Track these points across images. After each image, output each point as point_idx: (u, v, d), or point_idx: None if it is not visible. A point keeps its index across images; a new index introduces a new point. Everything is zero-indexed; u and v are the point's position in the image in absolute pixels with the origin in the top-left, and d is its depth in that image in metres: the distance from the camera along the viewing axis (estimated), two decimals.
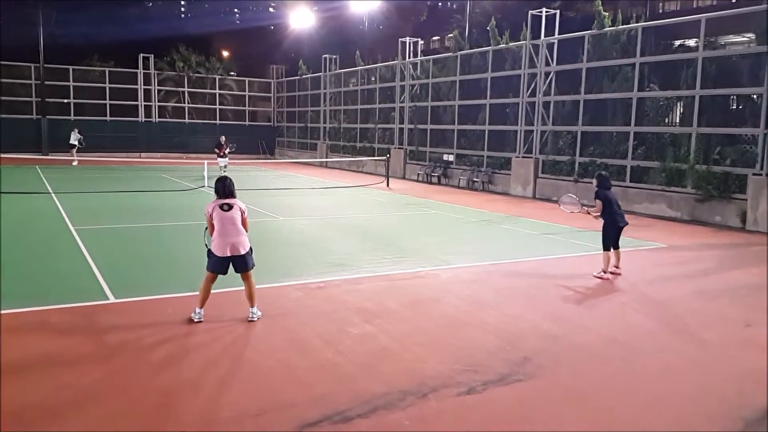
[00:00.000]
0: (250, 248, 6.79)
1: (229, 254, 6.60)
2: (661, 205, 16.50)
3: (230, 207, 6.70)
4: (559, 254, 10.97)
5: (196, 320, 6.63)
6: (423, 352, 5.96)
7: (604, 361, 5.91)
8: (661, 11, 36.37)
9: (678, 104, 17.55)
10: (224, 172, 24.26)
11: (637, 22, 18.76)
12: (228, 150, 24.46)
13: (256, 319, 6.77)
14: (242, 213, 6.78)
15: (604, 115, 18.92)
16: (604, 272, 9.24)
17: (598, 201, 9.22)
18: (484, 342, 6.30)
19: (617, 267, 9.44)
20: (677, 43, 20.26)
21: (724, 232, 14.27)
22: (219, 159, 24.10)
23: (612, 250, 9.33)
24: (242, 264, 6.70)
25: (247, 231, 6.83)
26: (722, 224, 14.98)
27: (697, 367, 5.88)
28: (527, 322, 7.00)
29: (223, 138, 25.01)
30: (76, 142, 29.62)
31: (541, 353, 6.01)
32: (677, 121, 17.67)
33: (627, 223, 9.40)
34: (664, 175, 16.54)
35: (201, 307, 6.69)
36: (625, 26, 18.62)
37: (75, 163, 28.45)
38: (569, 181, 19.18)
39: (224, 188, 6.82)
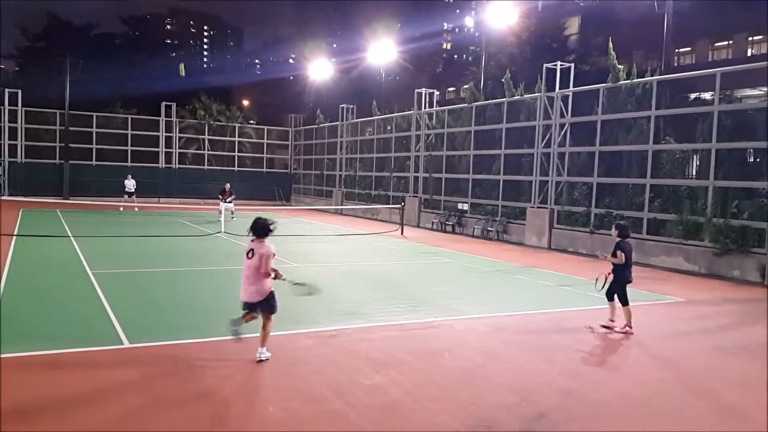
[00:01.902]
0: (270, 293, 6.95)
1: (244, 299, 6.96)
2: (678, 259, 16.31)
3: (252, 254, 6.90)
4: (574, 307, 10.84)
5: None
6: (435, 406, 5.86)
7: (618, 419, 5.77)
8: (676, 64, 36.78)
9: (694, 157, 17.54)
10: (233, 218, 24.73)
11: (652, 75, 18.97)
12: (230, 198, 25.10)
13: (263, 359, 6.88)
14: (260, 258, 6.85)
15: (619, 167, 18.95)
16: (629, 327, 8.97)
17: (620, 252, 8.94)
18: (498, 397, 6.19)
19: (612, 321, 9.20)
20: (693, 96, 20.44)
21: (742, 286, 14.02)
22: (221, 204, 24.57)
23: (609, 302, 9.15)
24: (259, 307, 6.98)
25: (269, 275, 6.92)
26: (741, 278, 14.74)
27: (717, 425, 5.71)
28: (542, 377, 6.88)
29: (228, 185, 25.71)
30: (132, 189, 29.94)
31: (556, 409, 5.88)
32: (694, 173, 17.64)
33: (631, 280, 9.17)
34: (681, 228, 16.41)
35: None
36: (640, 80, 18.84)
37: (122, 209, 28.83)
38: (585, 232, 19.08)
39: (252, 228, 7.07)
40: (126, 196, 29.54)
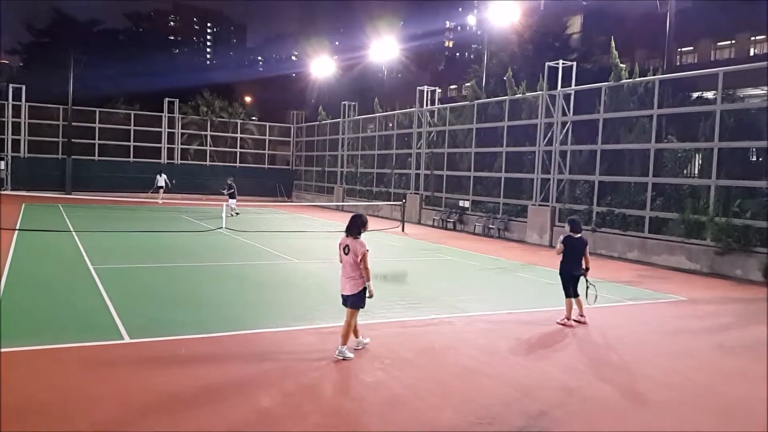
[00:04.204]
0: (363, 290, 7.16)
1: (342, 293, 7.27)
2: (680, 257, 16.29)
3: (348, 251, 7.19)
4: None
5: (360, 348, 7.34)
6: (437, 402, 5.86)
7: (619, 416, 5.77)
8: (678, 63, 36.69)
9: (696, 156, 17.52)
10: (234, 214, 24.92)
11: (654, 74, 18.93)
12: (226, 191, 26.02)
13: (341, 358, 6.98)
14: (356, 255, 7.14)
15: (621, 166, 18.92)
16: (567, 318, 9.24)
17: (562, 244, 9.37)
18: (500, 393, 6.19)
19: (581, 315, 9.37)
20: (695, 94, 20.40)
21: (745, 285, 14.00)
22: (230, 201, 25.34)
23: (573, 298, 9.34)
24: (347, 301, 7.25)
25: (366, 268, 7.16)
26: (743, 278, 14.72)
27: (719, 423, 5.71)
28: (543, 374, 6.88)
29: (230, 180, 26.69)
30: (163, 184, 31.49)
31: (558, 406, 5.89)
32: (696, 172, 17.61)
33: (579, 274, 9.36)
34: (683, 227, 16.38)
35: (356, 337, 7.42)
36: (642, 78, 18.80)
37: (161, 203, 29.66)
38: (587, 230, 19.00)
39: (348, 226, 7.37)
40: (159, 191, 31.03)
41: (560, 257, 9.43)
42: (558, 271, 9.51)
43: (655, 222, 17.34)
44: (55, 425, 4.99)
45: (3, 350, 6.70)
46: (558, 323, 9.23)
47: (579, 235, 9.47)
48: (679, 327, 9.62)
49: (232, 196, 25.70)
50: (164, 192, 31.68)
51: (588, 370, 7.11)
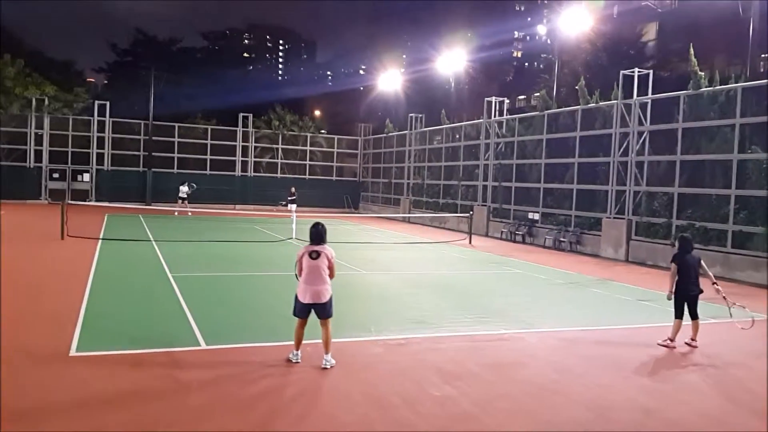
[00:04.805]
0: (331, 297, 7.01)
1: (310, 301, 6.91)
2: (765, 274, 15.35)
3: (318, 255, 6.98)
4: (654, 323, 10.32)
5: (294, 361, 7.02)
6: (507, 420, 5.74)
7: None
8: (761, 70, 34.81)
9: None
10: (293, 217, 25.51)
11: (736, 81, 18.03)
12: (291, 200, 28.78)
13: (329, 366, 6.92)
14: (329, 260, 7.01)
15: (702, 177, 18.07)
16: (671, 340, 8.72)
17: (673, 264, 8.80)
18: (572, 412, 6.00)
19: (693, 339, 8.80)
20: None
21: None
22: (290, 206, 27.92)
23: (691, 320, 8.79)
24: (322, 311, 7.00)
25: (333, 277, 7.08)
26: None
27: None
28: (619, 394, 6.62)
29: (293, 188, 30.09)
30: (186, 195, 30.76)
31: (636, 428, 5.65)
32: None
33: (699, 291, 8.82)
34: None
35: (297, 350, 7.09)
36: (723, 86, 17.94)
37: (176, 213, 29.91)
38: (666, 244, 18.25)
39: (316, 234, 7.15)
40: (180, 201, 30.36)
41: (674, 279, 8.78)
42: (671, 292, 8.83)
43: (739, 236, 16.43)
44: (124, 418, 5.21)
45: (88, 354, 7.08)
46: (660, 344, 8.74)
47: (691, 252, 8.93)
48: (762, 349, 9.05)
49: (293, 202, 28.36)
50: (183, 202, 30.40)
51: (667, 391, 6.79)
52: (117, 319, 8.94)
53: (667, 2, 43.29)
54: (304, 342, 7.15)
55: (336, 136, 44.49)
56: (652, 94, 19.81)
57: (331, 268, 7.06)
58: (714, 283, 8.88)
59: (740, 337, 9.79)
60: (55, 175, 36.01)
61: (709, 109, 18.09)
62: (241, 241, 20.40)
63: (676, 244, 9.12)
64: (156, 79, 37.70)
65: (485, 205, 27.57)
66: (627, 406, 6.26)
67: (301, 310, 7.00)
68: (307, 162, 42.84)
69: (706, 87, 18.27)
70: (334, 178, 43.53)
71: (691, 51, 19.53)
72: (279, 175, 41.73)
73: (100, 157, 37.14)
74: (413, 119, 36.06)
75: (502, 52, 66.60)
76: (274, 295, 11.40)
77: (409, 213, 33.94)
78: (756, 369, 7.95)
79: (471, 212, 25.36)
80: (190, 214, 29.89)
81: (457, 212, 29.00)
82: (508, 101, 29.81)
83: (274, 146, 42.15)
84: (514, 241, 24.56)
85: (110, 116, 37.27)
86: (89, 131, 37.04)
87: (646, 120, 19.77)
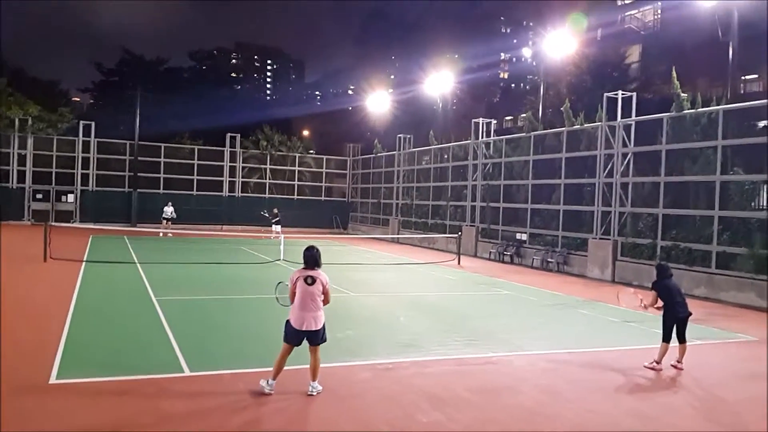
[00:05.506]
0: (324, 323, 6.92)
1: (304, 328, 6.77)
2: (749, 294, 15.47)
3: (314, 281, 6.87)
4: (641, 345, 10.32)
5: (266, 391, 6.74)
6: None
7: None
8: (742, 92, 35.41)
9: (764, 187, 16.72)
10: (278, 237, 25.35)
11: (717, 103, 18.31)
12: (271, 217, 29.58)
13: (315, 393, 6.81)
14: (324, 286, 6.93)
15: (686, 198, 18.26)
16: (657, 362, 8.72)
17: (652, 291, 8.91)
18: None
19: (679, 362, 8.80)
20: (761, 123, 19.56)
21: None
22: (274, 227, 28.64)
23: (679, 343, 8.80)
24: (315, 338, 6.87)
25: (327, 303, 7.01)
26: None
27: None
28: (607, 418, 6.60)
29: (275, 210, 30.73)
30: (169, 215, 30.70)
31: None
32: (765, 205, 16.79)
33: (689, 314, 8.87)
34: (753, 263, 15.60)
35: (274, 379, 6.83)
36: (705, 109, 18.21)
37: (161, 235, 29.72)
38: (651, 264, 18.35)
39: (311, 258, 7.02)
40: (164, 222, 30.31)
41: (656, 306, 8.87)
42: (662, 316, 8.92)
43: (723, 257, 16.58)
44: None
45: (68, 381, 6.95)
46: (646, 367, 8.74)
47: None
48: (749, 370, 9.12)
49: (277, 223, 28.84)
50: (167, 222, 30.43)
51: (656, 415, 6.78)
52: (99, 345, 8.81)
53: (650, 25, 44.14)
54: (289, 368, 7.05)
55: (324, 156, 44.55)
56: (636, 116, 20.08)
57: (326, 293, 6.96)
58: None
59: (726, 358, 9.85)
60: (39, 196, 35.44)
61: (692, 131, 18.34)
62: (227, 262, 20.25)
63: (656, 271, 9.15)
64: (142, 99, 37.47)
65: (474, 226, 27.65)
66: (614, 429, 6.23)
67: (294, 337, 6.83)
68: (296, 182, 42.79)
69: (688, 109, 18.54)
70: (322, 198, 43.51)
71: (674, 73, 19.84)
72: (267, 195, 41.58)
73: (84, 178, 36.70)
74: (402, 140, 36.25)
75: (489, 73, 67.44)
76: (261, 320, 11.30)
77: (398, 233, 33.94)
78: (741, 391, 7.98)
79: (459, 233, 25.41)
80: (170, 235, 29.64)
81: (445, 233, 29.05)
82: (495, 122, 30.07)
83: (262, 166, 42.07)
84: (503, 262, 24.61)
85: (95, 136, 36.91)
86: (74, 151, 36.58)
87: (630, 141, 20.00)
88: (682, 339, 8.83)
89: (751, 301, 15.33)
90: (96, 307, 11.63)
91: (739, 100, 19.20)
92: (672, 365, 8.77)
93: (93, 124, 37.01)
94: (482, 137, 28.29)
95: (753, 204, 16.86)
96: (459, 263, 22.77)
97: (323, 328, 6.92)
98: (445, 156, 31.98)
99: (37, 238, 19.08)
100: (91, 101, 65.66)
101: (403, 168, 35.92)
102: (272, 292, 7.06)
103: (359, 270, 19.86)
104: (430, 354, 8.99)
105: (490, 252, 25.88)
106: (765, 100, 17.69)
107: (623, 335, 11.42)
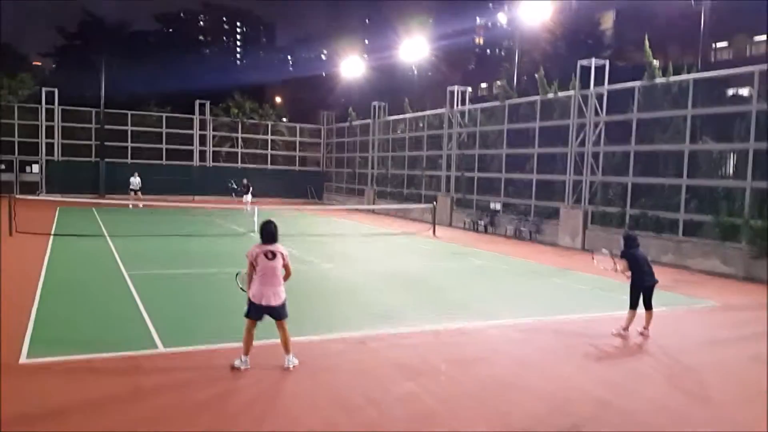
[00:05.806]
0: (285, 299, 6.92)
1: (264, 303, 6.77)
2: (714, 261, 15.90)
3: (274, 255, 6.83)
4: (610, 311, 10.57)
5: (242, 368, 6.77)
6: (470, 416, 5.82)
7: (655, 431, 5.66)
8: (713, 60, 35.80)
9: (731, 157, 17.06)
10: (248, 211, 25.16)
11: (688, 71, 18.47)
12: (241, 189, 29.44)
13: (291, 366, 6.87)
14: (284, 258, 6.90)
15: (655, 167, 18.53)
16: (624, 329, 8.99)
17: (623, 260, 9.11)
18: (533, 407, 6.12)
19: (645, 328, 9.06)
20: (730, 92, 19.84)
21: None
22: (244, 197, 28.45)
23: (645, 310, 9.05)
24: (277, 313, 6.87)
25: (290, 275, 7.00)
26: None
27: None
28: (577, 386, 6.78)
29: (245, 180, 30.15)
30: (136, 186, 30.16)
31: (591, 420, 5.81)
32: (731, 173, 17.15)
33: (655, 281, 9.11)
34: (718, 230, 16.00)
35: (246, 354, 6.84)
36: (676, 77, 18.35)
37: (131, 206, 29.27)
38: (620, 233, 18.69)
39: (269, 233, 6.95)
40: (132, 194, 29.88)
41: (627, 273, 9.06)
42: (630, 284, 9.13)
43: (690, 225, 16.96)
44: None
45: (39, 360, 6.88)
46: (613, 334, 8.99)
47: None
48: (714, 336, 9.47)
49: (248, 193, 28.65)
50: (135, 194, 30.05)
51: (622, 382, 6.99)
52: (70, 322, 8.71)
53: None
54: (262, 343, 7.06)
55: (298, 125, 44.00)
56: (609, 84, 20.16)
57: (287, 267, 6.96)
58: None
59: (691, 326, 10.15)
60: (2, 167, 34.22)
61: (663, 100, 18.51)
62: (199, 235, 20.05)
63: (621, 242, 9.33)
64: (106, 65, 36.22)
65: (449, 195, 27.76)
66: (583, 398, 6.41)
67: (257, 312, 6.83)
68: (269, 151, 42.29)
69: (660, 77, 18.67)
70: (296, 168, 43.11)
71: (646, 41, 19.90)
72: (239, 165, 41.05)
73: (49, 147, 35.76)
74: (376, 107, 35.88)
75: (464, 39, 66.77)
76: (234, 293, 11.17)
77: (374, 203, 33.94)
78: (705, 357, 8.24)
79: (434, 202, 25.51)
80: (141, 206, 29.19)
81: (421, 202, 29.11)
82: (470, 90, 29.93)
83: (234, 135, 41.38)
84: (477, 231, 24.82)
85: (59, 104, 35.84)
86: (37, 120, 35.48)
87: (602, 111, 20.13)
88: (648, 306, 9.07)
89: (715, 267, 15.76)
90: (66, 283, 11.47)
91: (710, 68, 19.40)
92: (639, 332, 9.02)
93: (56, 90, 35.85)
94: (458, 105, 28.19)
95: (720, 173, 17.21)
96: (434, 233, 22.91)
97: (284, 304, 6.89)
98: (420, 125, 31.86)
99: (2, 212, 18.61)
100: (54, 66, 63.36)
101: (378, 137, 35.71)
102: (245, 265, 7.01)
103: (334, 241, 19.86)
104: (405, 325, 9.08)
105: (465, 221, 26.06)
106: (734, 69, 17.94)
107: (592, 303, 11.67)
